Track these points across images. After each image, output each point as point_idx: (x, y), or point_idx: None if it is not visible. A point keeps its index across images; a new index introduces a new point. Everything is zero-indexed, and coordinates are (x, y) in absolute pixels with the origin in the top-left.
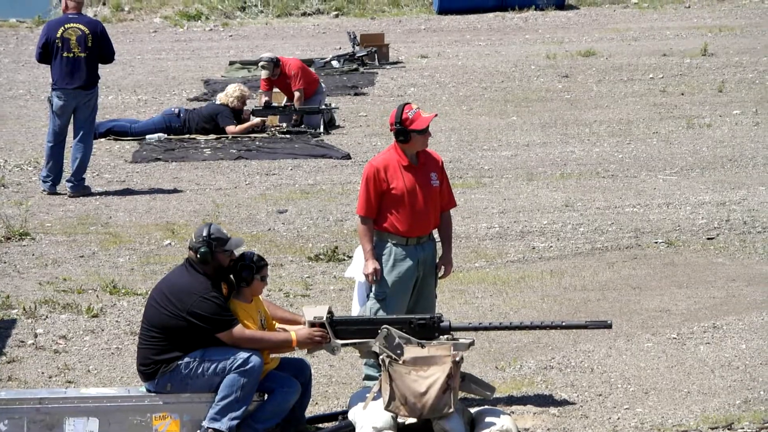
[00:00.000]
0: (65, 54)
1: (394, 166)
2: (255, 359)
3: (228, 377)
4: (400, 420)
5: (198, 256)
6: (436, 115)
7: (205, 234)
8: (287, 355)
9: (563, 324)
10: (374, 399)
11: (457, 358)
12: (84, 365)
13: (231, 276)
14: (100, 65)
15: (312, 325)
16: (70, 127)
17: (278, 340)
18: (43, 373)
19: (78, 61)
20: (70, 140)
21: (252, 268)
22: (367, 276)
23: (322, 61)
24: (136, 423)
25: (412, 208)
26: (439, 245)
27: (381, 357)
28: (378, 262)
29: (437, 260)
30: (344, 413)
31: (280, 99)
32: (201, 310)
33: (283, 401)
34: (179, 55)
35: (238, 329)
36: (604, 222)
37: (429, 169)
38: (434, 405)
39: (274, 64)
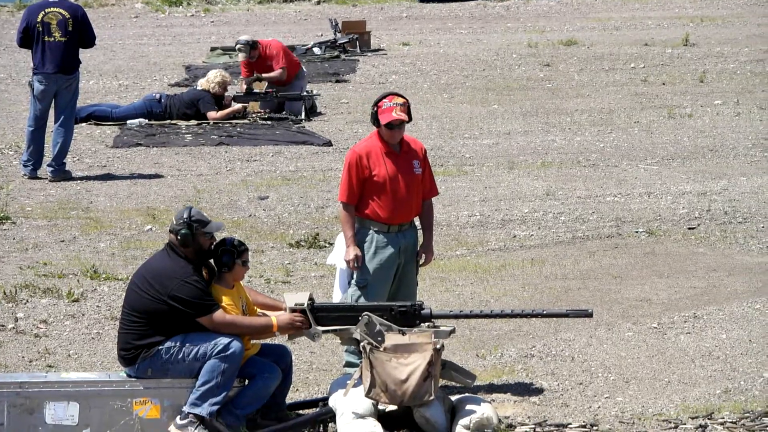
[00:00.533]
0: (46, 38)
1: (376, 152)
2: (236, 345)
3: (209, 363)
4: (380, 407)
5: (179, 238)
6: (404, 121)
7: (185, 216)
8: (268, 341)
9: (544, 312)
10: (355, 386)
11: (438, 346)
12: (65, 350)
13: (212, 261)
14: (81, 50)
15: (293, 311)
16: (51, 112)
17: (259, 325)
18: (23, 357)
19: (58, 46)
20: (51, 125)
21: (233, 253)
22: (348, 262)
23: (303, 47)
24: (117, 408)
25: (393, 195)
26: (420, 233)
27: (362, 344)
28: (359, 249)
29: (418, 248)
30: (325, 400)
31: (261, 86)
32: (182, 293)
33: (263, 387)
34: (160, 41)
35: (219, 314)
36: (585, 211)
37: (411, 157)
38: (415, 392)
39: (251, 46)
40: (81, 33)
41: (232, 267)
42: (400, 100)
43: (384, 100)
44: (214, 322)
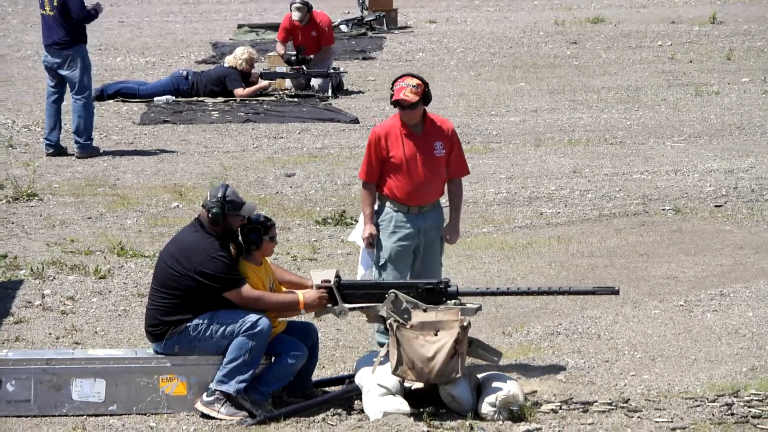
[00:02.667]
0: (42, 12)
1: (395, 134)
2: (263, 322)
3: (236, 340)
4: (406, 385)
5: (210, 215)
6: (411, 102)
7: (220, 195)
8: (295, 318)
9: (570, 290)
10: (381, 363)
11: (465, 323)
12: (91, 326)
13: (240, 239)
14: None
15: (320, 288)
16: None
17: (286, 301)
18: (50, 334)
19: (47, 20)
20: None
21: (260, 230)
22: (363, 240)
23: None
24: (143, 384)
25: (410, 177)
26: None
27: (388, 321)
28: (376, 227)
29: (444, 227)
30: (351, 377)
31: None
32: (209, 269)
33: (289, 365)
34: (187, 18)
35: (247, 288)
36: (612, 188)
37: (433, 139)
38: (441, 370)
39: (308, 8)
40: (65, 6)
41: (261, 245)
42: (414, 82)
43: (398, 81)
44: (241, 297)
